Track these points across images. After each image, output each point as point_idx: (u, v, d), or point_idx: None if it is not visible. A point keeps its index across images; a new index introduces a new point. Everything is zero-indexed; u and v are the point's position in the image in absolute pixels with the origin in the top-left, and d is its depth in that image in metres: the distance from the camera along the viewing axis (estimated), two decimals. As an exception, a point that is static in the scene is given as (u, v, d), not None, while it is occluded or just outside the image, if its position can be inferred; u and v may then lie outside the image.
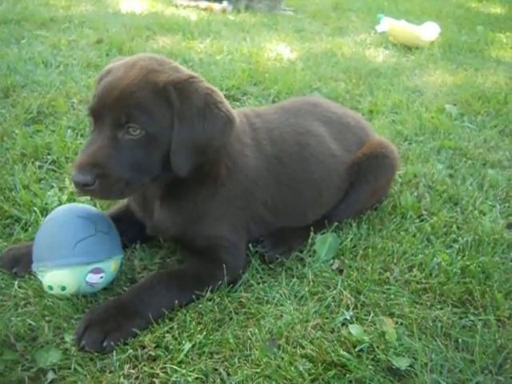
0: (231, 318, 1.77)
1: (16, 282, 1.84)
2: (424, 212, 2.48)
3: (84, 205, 1.92)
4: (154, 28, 5.25)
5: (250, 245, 2.09)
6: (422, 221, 2.41)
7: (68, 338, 1.64)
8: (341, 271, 2.06)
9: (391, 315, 1.84)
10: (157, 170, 1.76)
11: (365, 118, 3.14)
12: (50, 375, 1.54)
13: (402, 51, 5.18)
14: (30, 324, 1.69)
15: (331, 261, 2.10)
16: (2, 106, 3.30)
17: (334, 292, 1.91)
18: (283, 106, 2.36)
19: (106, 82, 1.74)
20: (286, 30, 5.65)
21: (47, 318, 1.72)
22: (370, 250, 2.13)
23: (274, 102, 3.70)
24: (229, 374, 1.56)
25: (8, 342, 1.63)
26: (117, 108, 1.67)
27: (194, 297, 1.81)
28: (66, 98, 3.41)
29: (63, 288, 1.74)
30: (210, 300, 1.83)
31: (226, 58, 4.55)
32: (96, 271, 1.76)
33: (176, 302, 1.76)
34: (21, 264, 1.90)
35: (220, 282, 1.87)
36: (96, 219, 1.82)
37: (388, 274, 2.04)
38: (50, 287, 1.74)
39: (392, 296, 1.92)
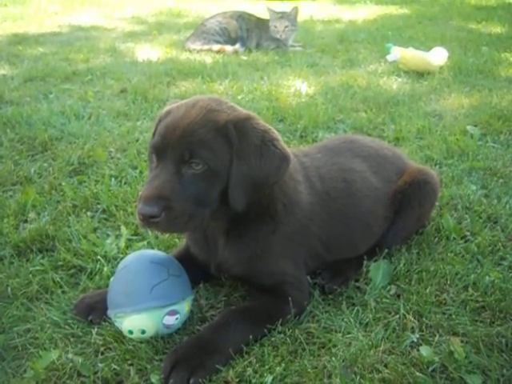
0: (304, 349, 1.85)
1: (94, 330, 1.93)
2: (467, 233, 2.56)
3: (153, 250, 2.03)
4: (173, 74, 5.44)
5: (309, 277, 2.18)
6: (466, 242, 2.49)
7: (154, 378, 1.72)
8: (398, 296, 2.14)
9: (455, 334, 1.92)
10: (216, 204, 1.86)
11: (392, 145, 3.26)
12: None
13: (414, 78, 5.32)
14: (114, 368, 1.77)
15: (387, 287, 2.18)
16: (43, 159, 3.45)
17: (397, 316, 1.99)
18: (325, 145, 2.49)
19: (168, 122, 1.86)
20: (300, 66, 5.82)
21: (129, 362, 1.81)
22: (423, 273, 2.21)
23: (301, 137, 3.84)
24: (314, 403, 1.64)
25: (96, 388, 1.72)
26: (180, 145, 1.79)
27: (266, 331, 1.90)
28: (103, 148, 3.56)
29: (143, 331, 1.83)
30: (281, 333, 1.91)
31: (247, 97, 4.71)
32: (172, 313, 1.86)
33: (251, 336, 1.85)
34: (96, 311, 1.99)
35: (289, 316, 1.95)
36: (167, 263, 1.93)
37: (445, 295, 2.12)
38: (131, 331, 1.83)
39: (453, 316, 2.00)
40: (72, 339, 1.92)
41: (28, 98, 4.68)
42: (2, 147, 3.58)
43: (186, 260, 2.12)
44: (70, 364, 1.79)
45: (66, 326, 1.97)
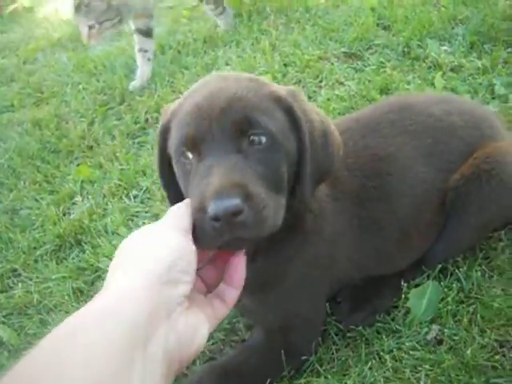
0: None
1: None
2: None
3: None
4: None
5: (328, 305, 1.71)
6: None
7: None
8: (440, 342, 1.59)
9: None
10: (286, 191, 1.34)
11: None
12: None
13: None
14: None
15: (427, 328, 1.62)
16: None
17: (420, 384, 1.48)
18: (358, 117, 1.79)
19: (198, 103, 1.29)
20: None
21: None
22: (478, 310, 1.60)
23: (403, 53, 3.02)
24: None
25: None
26: (232, 116, 1.24)
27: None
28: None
29: None
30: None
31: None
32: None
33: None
34: None
35: (284, 373, 1.56)
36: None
37: (505, 350, 1.51)
38: None
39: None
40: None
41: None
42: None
43: None
44: None
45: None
